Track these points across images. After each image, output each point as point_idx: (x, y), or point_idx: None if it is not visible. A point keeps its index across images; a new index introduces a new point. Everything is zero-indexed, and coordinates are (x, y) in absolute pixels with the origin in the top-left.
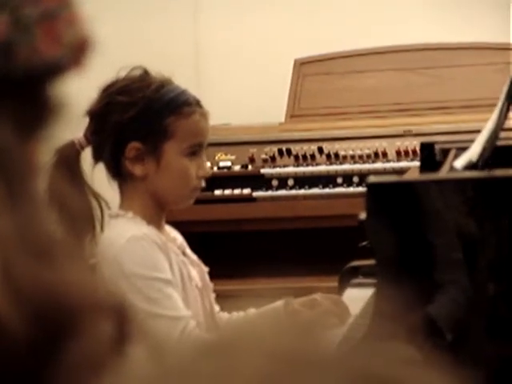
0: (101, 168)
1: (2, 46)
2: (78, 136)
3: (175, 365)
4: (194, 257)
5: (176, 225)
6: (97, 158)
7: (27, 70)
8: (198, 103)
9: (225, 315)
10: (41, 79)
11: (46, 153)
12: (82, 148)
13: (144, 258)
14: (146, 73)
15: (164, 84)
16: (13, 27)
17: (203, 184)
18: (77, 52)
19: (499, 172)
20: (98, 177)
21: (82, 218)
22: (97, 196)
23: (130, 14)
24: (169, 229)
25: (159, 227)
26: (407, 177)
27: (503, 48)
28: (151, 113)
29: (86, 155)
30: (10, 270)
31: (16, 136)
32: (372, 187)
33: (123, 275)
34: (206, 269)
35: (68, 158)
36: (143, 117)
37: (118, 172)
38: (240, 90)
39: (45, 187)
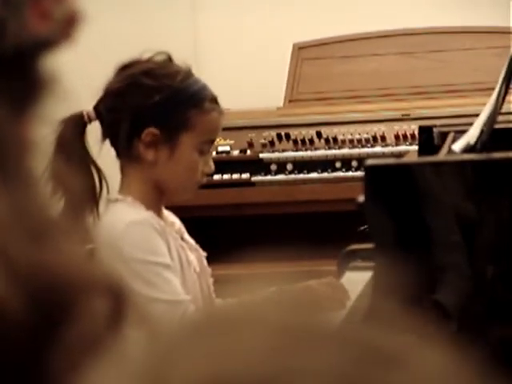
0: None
1: None
2: (86, 108)
3: (175, 342)
4: (192, 241)
5: (174, 209)
6: (106, 135)
7: (18, 46)
8: (216, 100)
9: (219, 302)
10: (31, 55)
11: (39, 130)
12: (90, 121)
13: (143, 242)
14: (169, 59)
15: (189, 75)
16: (3, 5)
17: (204, 180)
18: (66, 26)
19: (497, 154)
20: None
21: (84, 194)
22: (99, 172)
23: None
24: (167, 213)
25: (158, 213)
26: (405, 159)
27: (503, 32)
28: (176, 102)
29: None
30: (6, 254)
31: (8, 113)
32: (370, 170)
33: (122, 260)
34: (203, 253)
35: (74, 130)
36: (167, 105)
37: (126, 153)
38: (239, 75)
39: (48, 159)
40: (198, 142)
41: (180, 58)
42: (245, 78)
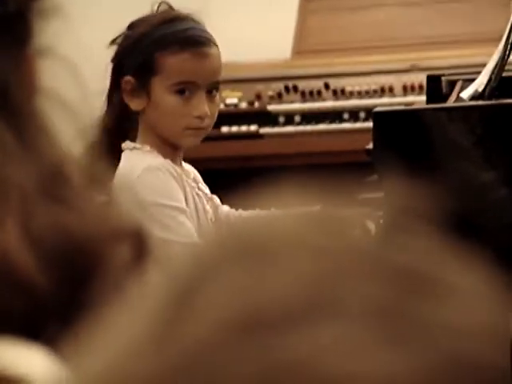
0: None
1: None
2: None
3: (204, 269)
4: (207, 191)
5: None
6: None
7: None
8: (199, 43)
9: (230, 212)
10: None
11: (45, 62)
12: None
13: (159, 186)
14: (170, 8)
15: (171, 19)
16: None
17: (203, 124)
18: None
19: (505, 100)
20: None
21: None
22: None
23: None
24: (183, 164)
25: (175, 162)
26: (414, 106)
27: None
28: (141, 47)
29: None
30: (29, 220)
31: (6, 61)
32: (378, 116)
33: (138, 204)
34: (218, 202)
35: None
36: (134, 50)
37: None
38: (246, 27)
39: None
40: (169, 85)
41: (188, 8)
42: (252, 30)
